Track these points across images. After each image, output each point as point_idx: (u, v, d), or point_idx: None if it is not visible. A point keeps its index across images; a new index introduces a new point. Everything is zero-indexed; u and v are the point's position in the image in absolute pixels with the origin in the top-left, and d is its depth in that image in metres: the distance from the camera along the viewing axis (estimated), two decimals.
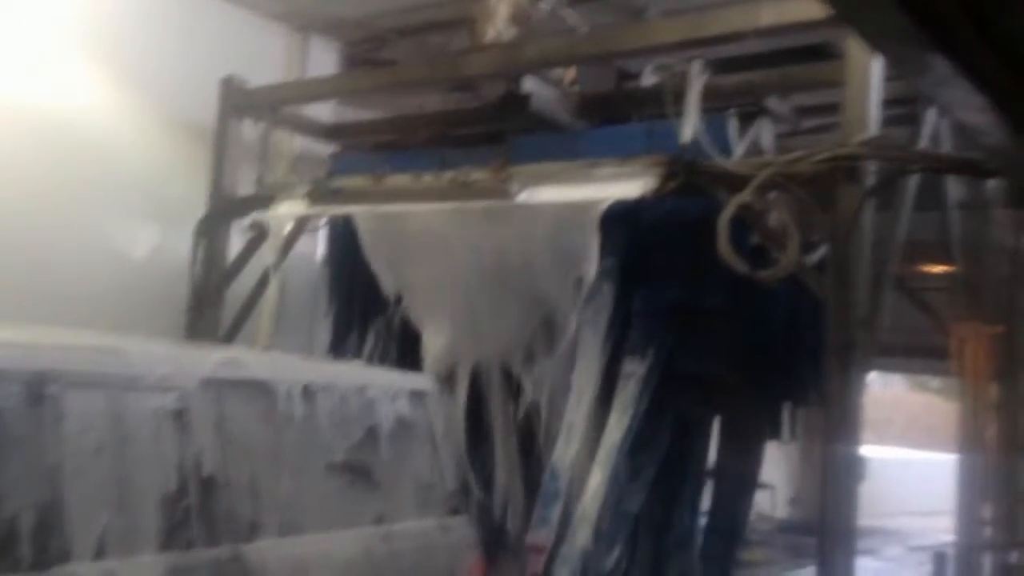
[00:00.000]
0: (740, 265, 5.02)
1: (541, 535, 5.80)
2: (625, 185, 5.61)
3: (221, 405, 3.84)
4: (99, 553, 3.29)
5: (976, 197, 6.93)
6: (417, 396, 4.92)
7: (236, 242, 7.61)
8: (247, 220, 7.37)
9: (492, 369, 6.69)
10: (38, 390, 3.23)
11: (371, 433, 4.54)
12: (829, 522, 4.95)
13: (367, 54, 8.85)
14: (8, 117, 6.62)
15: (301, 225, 7.39)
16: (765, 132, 6.40)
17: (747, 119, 6.27)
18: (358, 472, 4.46)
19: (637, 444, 5.99)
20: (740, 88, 6.34)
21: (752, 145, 6.23)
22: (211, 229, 7.56)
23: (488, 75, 6.97)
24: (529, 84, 6.65)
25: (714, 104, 5.90)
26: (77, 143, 6.92)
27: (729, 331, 6.10)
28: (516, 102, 6.73)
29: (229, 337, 7.41)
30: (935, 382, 20.69)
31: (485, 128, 7.25)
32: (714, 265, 5.14)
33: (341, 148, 8.48)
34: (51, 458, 3.22)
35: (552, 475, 5.98)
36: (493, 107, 7.14)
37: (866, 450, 5.17)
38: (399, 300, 7.03)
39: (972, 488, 7.27)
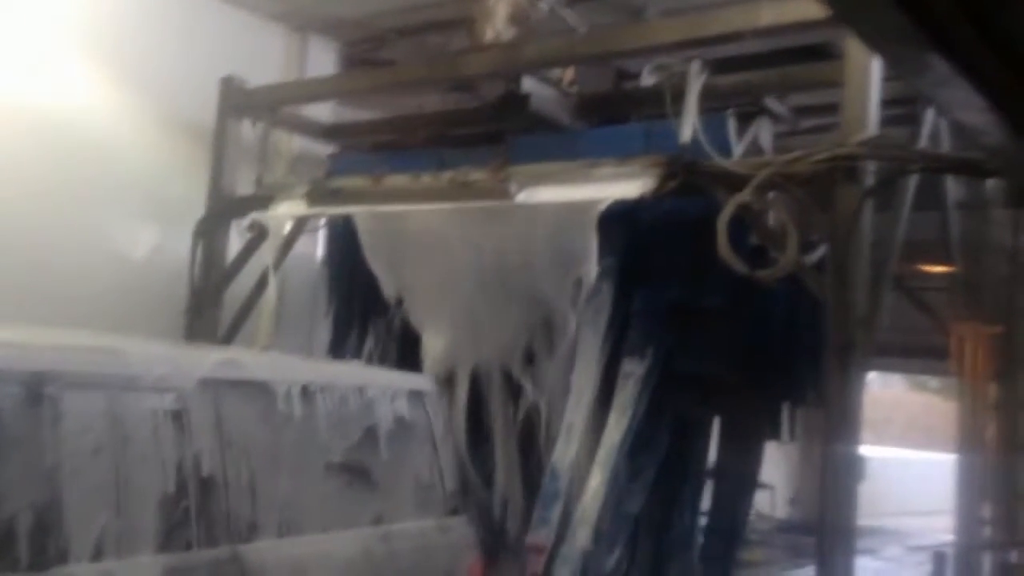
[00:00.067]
0: (739, 265, 5.02)
1: (541, 535, 5.79)
2: (624, 185, 5.61)
3: (220, 405, 3.84)
4: (97, 554, 3.28)
5: (975, 197, 6.92)
6: (416, 396, 4.91)
7: (235, 242, 7.60)
8: (246, 220, 7.36)
9: (492, 370, 6.68)
10: (36, 390, 3.22)
11: (370, 433, 4.53)
12: (828, 522, 4.95)
13: (366, 54, 8.84)
14: (8, 117, 6.62)
15: (300, 225, 7.40)
16: (764, 132, 6.40)
17: (746, 119, 6.26)
18: (357, 472, 4.45)
19: (637, 444, 5.99)
20: (739, 88, 6.33)
21: (751, 145, 6.22)
22: (210, 229, 7.56)
23: (487, 75, 6.97)
24: (528, 84, 6.65)
25: (713, 104, 5.89)
26: (77, 143, 6.92)
27: (728, 331, 6.10)
28: (515, 102, 6.73)
29: (228, 337, 7.41)
30: (934, 382, 20.67)
31: (484, 128, 7.24)
32: (713, 265, 5.14)
33: (340, 148, 8.48)
34: (49, 459, 3.22)
35: (552, 475, 5.98)
36: (492, 107, 7.14)
37: (865, 450, 5.17)
38: (400, 303, 7.02)
39: (971, 488, 7.26)
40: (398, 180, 6.57)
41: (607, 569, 5.86)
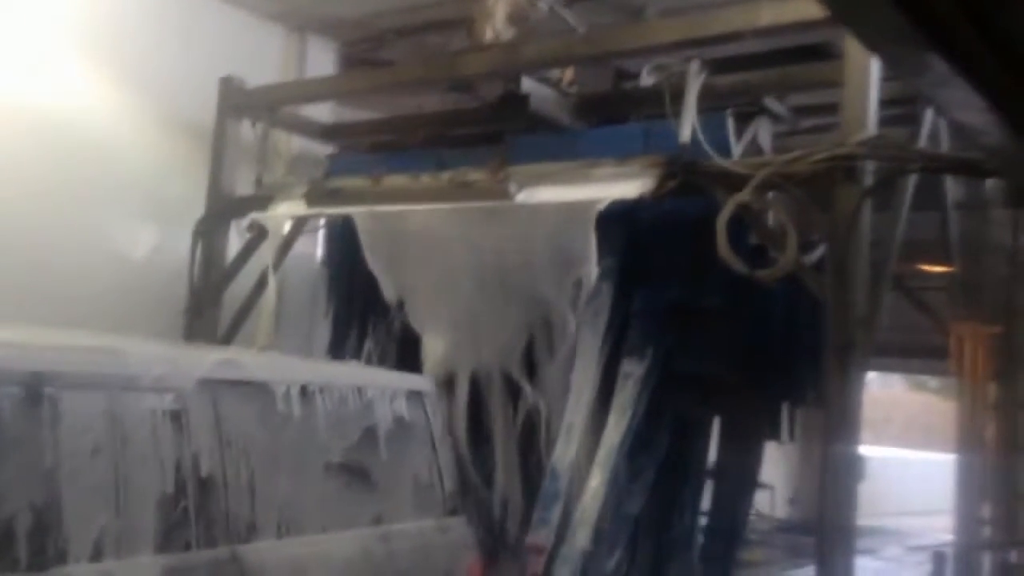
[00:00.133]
0: (739, 265, 5.02)
1: (541, 536, 5.78)
2: (623, 185, 5.61)
3: (219, 406, 3.84)
4: (96, 554, 3.28)
5: (975, 197, 6.93)
6: (415, 396, 4.91)
7: (235, 242, 7.60)
8: (246, 220, 7.37)
9: (492, 371, 6.68)
10: (35, 390, 3.22)
11: (369, 433, 4.53)
12: (828, 522, 4.95)
13: (365, 54, 8.84)
14: (8, 117, 6.62)
15: (300, 225, 7.39)
16: (763, 132, 6.40)
17: (745, 119, 6.26)
18: (356, 473, 4.45)
19: (637, 445, 5.98)
20: (738, 88, 6.33)
21: (750, 145, 6.22)
22: (210, 229, 7.55)
23: (486, 75, 6.96)
24: (527, 84, 6.65)
25: (712, 104, 5.89)
26: (77, 143, 6.92)
27: (728, 331, 6.09)
28: (514, 102, 6.73)
29: (228, 337, 7.40)
30: (934, 382, 20.67)
31: (483, 128, 7.24)
32: (713, 265, 5.14)
33: (339, 148, 8.48)
34: (48, 459, 3.21)
35: (552, 476, 5.97)
36: (491, 107, 7.14)
37: (865, 450, 5.17)
38: (399, 303, 7.02)
39: (971, 488, 7.26)
40: (397, 180, 6.57)
41: (607, 569, 5.85)
